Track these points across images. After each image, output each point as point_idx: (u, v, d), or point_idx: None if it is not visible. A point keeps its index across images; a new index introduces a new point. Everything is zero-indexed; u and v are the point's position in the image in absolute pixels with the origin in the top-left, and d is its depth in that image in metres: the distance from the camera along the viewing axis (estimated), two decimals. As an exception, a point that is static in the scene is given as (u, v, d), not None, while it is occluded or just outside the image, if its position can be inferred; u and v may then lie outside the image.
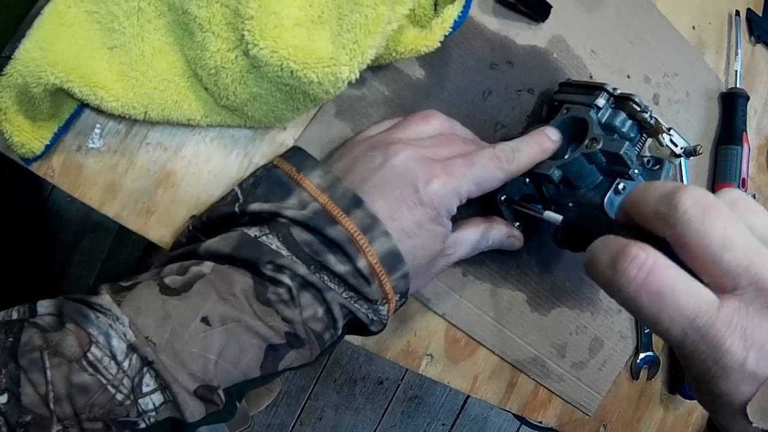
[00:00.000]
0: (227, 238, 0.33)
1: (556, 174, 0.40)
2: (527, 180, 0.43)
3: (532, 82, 0.47)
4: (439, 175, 0.35)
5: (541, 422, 0.49)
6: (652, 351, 0.55)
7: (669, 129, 0.42)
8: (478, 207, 0.43)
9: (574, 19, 0.49)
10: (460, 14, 0.40)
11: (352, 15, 0.36)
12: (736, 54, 0.57)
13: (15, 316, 0.29)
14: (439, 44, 0.40)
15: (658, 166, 0.42)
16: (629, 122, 0.42)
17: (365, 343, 0.43)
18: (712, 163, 0.57)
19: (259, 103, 0.38)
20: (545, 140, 0.41)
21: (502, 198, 0.42)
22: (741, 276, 0.24)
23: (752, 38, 0.61)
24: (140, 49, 0.37)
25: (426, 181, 0.35)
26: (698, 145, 0.42)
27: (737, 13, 0.59)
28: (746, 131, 0.56)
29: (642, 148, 0.44)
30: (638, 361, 0.54)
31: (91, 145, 0.38)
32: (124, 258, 0.82)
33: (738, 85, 0.57)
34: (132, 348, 0.28)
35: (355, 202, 0.33)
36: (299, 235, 0.32)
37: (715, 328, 0.24)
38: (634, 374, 0.55)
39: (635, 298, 0.25)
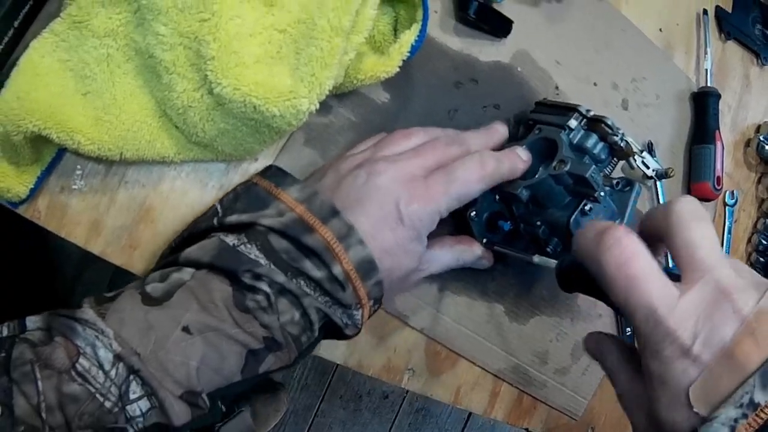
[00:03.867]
0: (205, 247, 0.34)
1: (524, 194, 0.42)
2: (497, 197, 0.44)
3: (497, 97, 0.48)
4: (421, 196, 0.37)
5: (527, 429, 0.50)
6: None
7: (641, 151, 0.43)
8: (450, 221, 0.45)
9: (537, 32, 0.50)
10: (416, 38, 0.42)
11: (308, 48, 0.38)
12: (706, 53, 0.58)
13: (5, 332, 0.30)
14: (398, 69, 0.42)
15: (628, 188, 0.43)
16: (600, 144, 0.43)
17: (347, 362, 0.45)
18: (686, 163, 0.58)
19: (227, 138, 0.40)
20: (517, 160, 0.42)
21: (472, 214, 0.43)
22: (706, 270, 0.29)
23: (722, 35, 0.62)
24: (112, 94, 0.39)
25: (407, 202, 0.36)
26: (670, 168, 0.43)
27: (705, 11, 0.60)
28: (719, 129, 0.57)
29: (613, 169, 0.45)
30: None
31: (73, 186, 0.40)
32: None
33: (709, 84, 0.58)
34: (118, 358, 0.29)
35: (332, 213, 0.35)
36: (277, 242, 0.34)
37: (673, 316, 0.28)
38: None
39: (615, 276, 0.30)
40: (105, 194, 0.41)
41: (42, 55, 0.38)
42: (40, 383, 0.28)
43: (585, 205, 0.41)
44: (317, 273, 0.33)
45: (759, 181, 0.64)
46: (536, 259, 0.39)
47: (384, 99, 0.45)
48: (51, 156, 0.40)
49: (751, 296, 0.28)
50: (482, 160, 0.39)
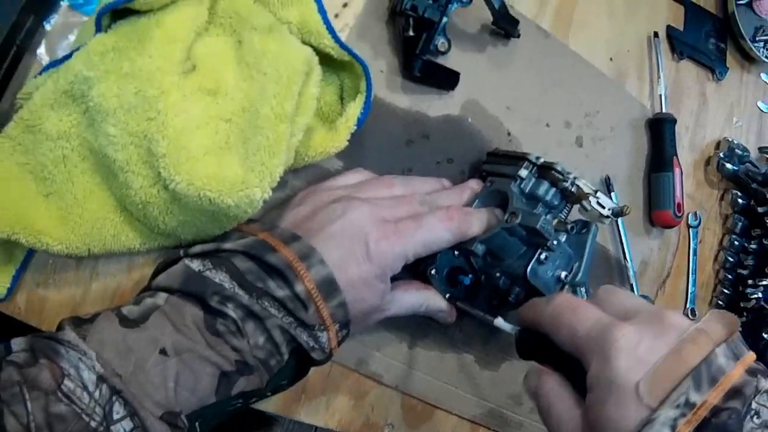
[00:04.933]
0: (172, 274, 0.37)
1: (480, 248, 0.44)
2: (455, 252, 0.46)
3: (450, 151, 0.51)
4: (389, 236, 0.40)
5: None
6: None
7: (596, 191, 0.45)
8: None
9: (484, 80, 0.52)
10: (362, 110, 0.45)
11: (255, 138, 0.40)
12: (659, 77, 0.60)
13: None
14: (347, 143, 0.44)
15: (585, 230, 0.45)
16: (552, 191, 0.45)
17: (327, 424, 0.48)
18: (646, 190, 0.60)
19: (188, 227, 0.42)
20: (492, 216, 0.45)
21: (432, 271, 0.46)
22: (639, 310, 0.34)
23: (675, 55, 0.64)
24: (73, 193, 0.41)
25: (376, 240, 0.39)
26: (625, 206, 0.45)
27: (656, 34, 0.62)
28: (677, 155, 0.59)
29: (569, 212, 0.47)
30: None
31: (49, 281, 0.43)
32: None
33: (664, 109, 0.60)
34: (101, 379, 0.32)
35: (293, 237, 0.38)
36: (241, 263, 0.36)
37: (614, 324, 0.33)
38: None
39: (552, 321, 0.36)
40: (79, 286, 0.43)
41: (0, 160, 0.40)
42: (28, 404, 0.30)
43: (540, 254, 0.44)
44: (280, 292, 0.36)
45: (722, 198, 0.66)
46: (497, 322, 0.42)
47: (337, 167, 0.47)
48: (23, 254, 0.42)
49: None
50: (449, 213, 0.43)
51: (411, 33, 0.48)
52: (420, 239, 0.41)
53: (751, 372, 0.31)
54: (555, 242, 0.43)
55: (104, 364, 0.32)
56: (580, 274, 0.45)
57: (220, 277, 0.36)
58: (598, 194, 0.46)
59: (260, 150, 0.40)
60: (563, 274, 0.45)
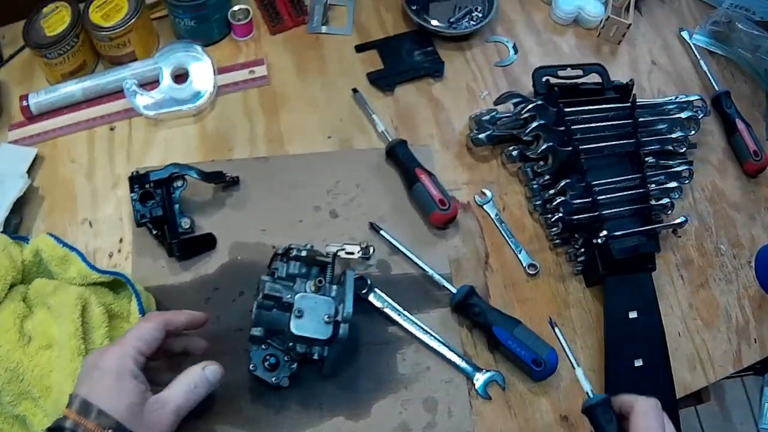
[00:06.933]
0: None
1: (257, 331, 0.57)
2: (262, 346, 0.59)
3: (238, 287, 0.67)
4: (111, 347, 0.52)
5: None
6: (485, 370, 0.64)
7: (339, 250, 0.58)
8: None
9: (234, 224, 0.71)
10: (138, 304, 0.62)
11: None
12: (373, 120, 0.74)
13: None
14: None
15: (343, 277, 0.58)
16: (295, 264, 0.59)
17: None
18: (416, 206, 0.71)
19: None
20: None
21: (251, 368, 0.59)
22: None
23: (386, 91, 0.78)
24: None
25: (100, 355, 0.52)
26: (366, 245, 0.60)
27: (355, 90, 0.77)
28: (418, 165, 0.70)
29: (327, 273, 0.59)
30: (477, 387, 0.64)
31: None
32: None
33: (390, 137, 0.73)
34: None
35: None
36: None
37: None
38: (485, 395, 0.64)
39: None
40: None
41: None
42: None
43: (294, 311, 0.56)
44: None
45: (502, 162, 0.75)
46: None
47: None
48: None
49: None
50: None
51: (155, 232, 0.67)
52: (135, 338, 0.53)
53: None
54: (291, 296, 0.56)
55: None
56: (346, 312, 0.56)
57: None
58: (345, 247, 0.59)
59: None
60: (327, 317, 0.56)
